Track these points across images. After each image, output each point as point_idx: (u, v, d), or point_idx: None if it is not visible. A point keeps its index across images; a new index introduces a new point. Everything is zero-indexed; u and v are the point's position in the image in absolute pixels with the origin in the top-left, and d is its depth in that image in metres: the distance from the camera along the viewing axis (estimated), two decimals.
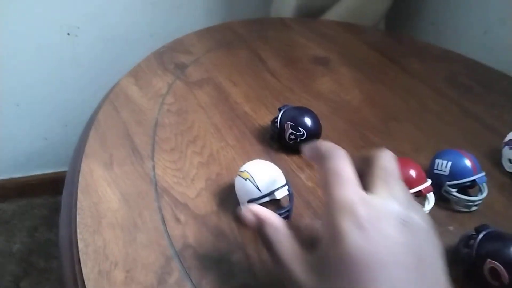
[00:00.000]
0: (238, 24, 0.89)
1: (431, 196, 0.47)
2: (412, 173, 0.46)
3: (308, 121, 0.53)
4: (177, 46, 0.77)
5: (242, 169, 0.46)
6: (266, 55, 0.77)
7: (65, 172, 0.54)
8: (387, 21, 1.12)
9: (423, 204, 0.47)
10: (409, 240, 0.25)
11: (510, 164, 0.55)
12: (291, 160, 0.54)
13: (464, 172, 0.48)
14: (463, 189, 0.49)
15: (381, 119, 0.63)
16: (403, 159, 0.48)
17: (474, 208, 0.49)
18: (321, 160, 0.31)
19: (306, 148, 0.34)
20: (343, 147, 0.56)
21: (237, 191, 0.46)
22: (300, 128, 0.52)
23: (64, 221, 0.46)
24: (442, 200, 0.49)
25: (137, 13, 1.22)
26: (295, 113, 0.54)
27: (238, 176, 0.46)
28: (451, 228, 0.47)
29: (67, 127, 1.38)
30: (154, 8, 1.23)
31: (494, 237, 0.40)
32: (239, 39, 0.82)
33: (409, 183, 0.46)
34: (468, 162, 0.48)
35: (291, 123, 0.53)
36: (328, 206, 0.28)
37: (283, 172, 0.46)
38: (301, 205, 0.48)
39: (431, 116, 0.65)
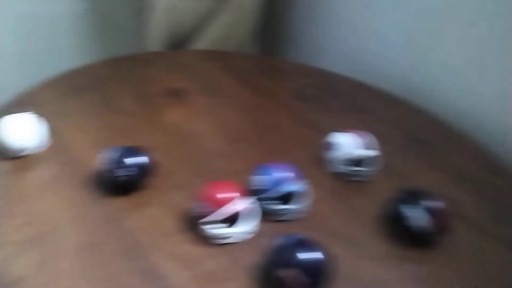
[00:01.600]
0: (99, 65, 0.88)
1: (255, 213, 0.49)
2: (231, 195, 0.47)
3: (135, 160, 0.53)
4: (25, 97, 0.75)
5: None
6: (119, 94, 0.77)
7: None
8: (263, 45, 1.17)
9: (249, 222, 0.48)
10: None
11: (336, 166, 0.58)
12: (122, 202, 0.54)
13: (280, 184, 0.50)
14: (287, 198, 0.50)
15: (224, 143, 0.65)
16: (224, 183, 0.49)
17: (300, 216, 0.51)
18: None
19: None
20: (180, 177, 0.57)
21: None
22: (126, 168, 0.52)
23: None
24: (268, 214, 0.51)
25: (10, 58, 1.17)
26: (122, 154, 0.54)
27: None
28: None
29: None
30: (20, 57, 1.18)
31: None
32: (95, 81, 0.81)
33: (219, 204, 0.47)
34: (284, 174, 0.50)
35: (117, 165, 0.53)
36: None
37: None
38: (120, 250, 0.48)
39: (272, 132, 0.68)
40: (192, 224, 0.49)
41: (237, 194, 0.48)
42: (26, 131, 0.60)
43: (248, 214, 0.49)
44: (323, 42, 1.06)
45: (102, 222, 0.51)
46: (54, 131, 0.66)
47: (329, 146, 0.57)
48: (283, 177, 0.50)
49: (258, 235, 0.49)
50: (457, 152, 0.64)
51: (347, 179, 0.57)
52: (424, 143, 0.66)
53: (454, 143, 0.66)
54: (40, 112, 0.71)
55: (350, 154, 0.56)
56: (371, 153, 0.56)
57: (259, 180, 0.50)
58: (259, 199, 0.50)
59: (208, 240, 0.48)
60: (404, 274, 0.47)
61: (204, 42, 1.06)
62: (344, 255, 0.45)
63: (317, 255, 0.40)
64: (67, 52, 1.23)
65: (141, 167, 0.54)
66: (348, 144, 0.56)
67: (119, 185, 0.54)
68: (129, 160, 0.53)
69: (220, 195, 0.47)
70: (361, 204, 0.54)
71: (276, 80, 0.82)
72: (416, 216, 0.46)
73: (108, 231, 0.50)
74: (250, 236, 0.49)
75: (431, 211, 0.45)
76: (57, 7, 1.17)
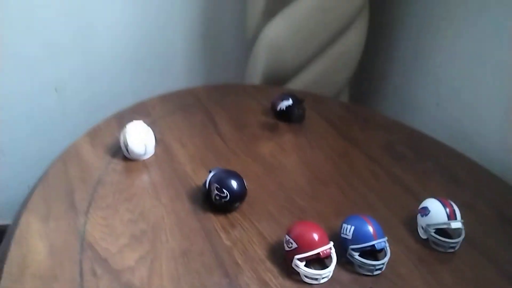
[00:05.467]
0: (201, 89, 0.96)
1: (333, 258, 0.51)
2: (315, 236, 0.50)
3: (232, 183, 0.58)
4: (138, 109, 0.84)
5: None
6: (220, 119, 0.84)
7: None
8: (352, 92, 1.20)
9: (326, 265, 0.51)
10: None
11: (423, 231, 0.58)
12: (216, 219, 0.59)
13: (365, 237, 0.52)
14: (368, 253, 0.52)
15: (310, 182, 0.68)
16: (308, 223, 0.52)
17: (377, 272, 0.52)
18: None
19: None
20: (269, 207, 0.61)
21: None
22: (224, 190, 0.57)
23: None
24: (349, 263, 0.53)
25: (121, 72, 1.31)
26: (222, 176, 0.59)
27: None
28: None
29: None
30: (137, 68, 1.32)
31: None
32: (198, 104, 0.89)
33: (312, 245, 0.50)
34: (369, 228, 0.52)
35: (217, 185, 0.58)
36: None
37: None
38: (213, 263, 0.52)
39: (359, 181, 0.69)
40: (281, 255, 0.53)
41: (327, 238, 0.51)
42: (145, 138, 0.67)
43: (333, 259, 0.51)
44: (416, 102, 1.07)
45: (198, 233, 0.56)
46: (161, 142, 0.74)
47: (422, 211, 0.58)
48: (369, 231, 0.52)
49: (335, 281, 0.51)
50: None
51: (432, 247, 0.57)
52: None
53: None
54: (150, 123, 0.80)
55: (439, 223, 0.56)
56: (459, 225, 0.56)
57: (349, 229, 0.52)
58: (344, 248, 0.53)
59: (296, 276, 0.51)
60: None
61: (301, 83, 1.12)
62: None
63: None
64: (175, 76, 1.35)
65: (238, 192, 0.58)
66: (439, 212, 0.56)
67: (217, 204, 0.59)
68: (229, 183, 0.58)
69: (315, 237, 0.50)
70: (441, 275, 0.54)
71: (366, 131, 0.84)
72: None
73: (204, 243, 0.54)
74: (327, 280, 0.51)
75: None
76: (170, 29, 1.29)
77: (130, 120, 0.77)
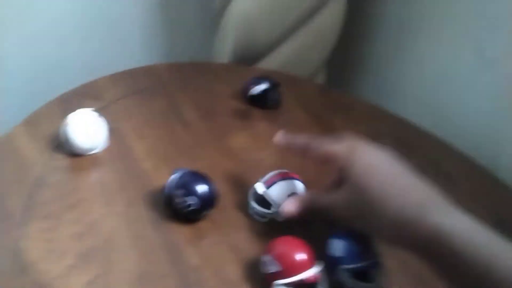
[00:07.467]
0: (163, 68, 0.85)
1: (322, 284, 0.43)
2: (299, 256, 0.42)
3: (200, 189, 0.49)
4: (87, 90, 0.72)
5: None
6: (184, 104, 0.73)
7: None
8: (329, 73, 1.12)
9: None
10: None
11: None
12: (180, 231, 0.49)
13: (359, 255, 0.44)
14: (360, 273, 0.45)
15: None
16: (291, 239, 0.44)
17: None
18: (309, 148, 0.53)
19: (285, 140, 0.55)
20: (245, 214, 0.53)
21: None
22: (189, 197, 0.48)
23: None
24: (337, 283, 0.46)
25: (71, 44, 1.16)
26: (187, 180, 0.50)
27: None
28: None
29: None
30: (89, 40, 1.17)
31: None
32: (159, 85, 0.78)
33: (295, 268, 0.42)
34: (364, 246, 0.45)
35: (181, 191, 0.48)
36: (335, 154, 0.48)
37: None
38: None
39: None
40: (259, 276, 0.45)
41: (312, 258, 0.43)
42: (93, 130, 0.57)
43: (320, 282, 0.43)
44: (398, 86, 1.00)
45: (160, 249, 0.47)
46: (114, 133, 0.63)
47: None
48: (363, 248, 0.45)
49: None
50: None
51: None
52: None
53: None
54: (101, 109, 0.68)
55: None
56: None
57: (339, 246, 0.45)
58: (337, 269, 0.45)
59: None
60: None
61: (274, 62, 1.02)
62: None
63: None
64: (131, 49, 1.21)
65: (207, 198, 0.49)
66: None
67: (182, 212, 0.49)
68: (196, 188, 0.49)
69: (297, 259, 0.42)
70: None
71: (349, 122, 0.76)
72: None
73: (168, 262, 0.46)
74: None
75: None
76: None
77: (77, 104, 0.65)
